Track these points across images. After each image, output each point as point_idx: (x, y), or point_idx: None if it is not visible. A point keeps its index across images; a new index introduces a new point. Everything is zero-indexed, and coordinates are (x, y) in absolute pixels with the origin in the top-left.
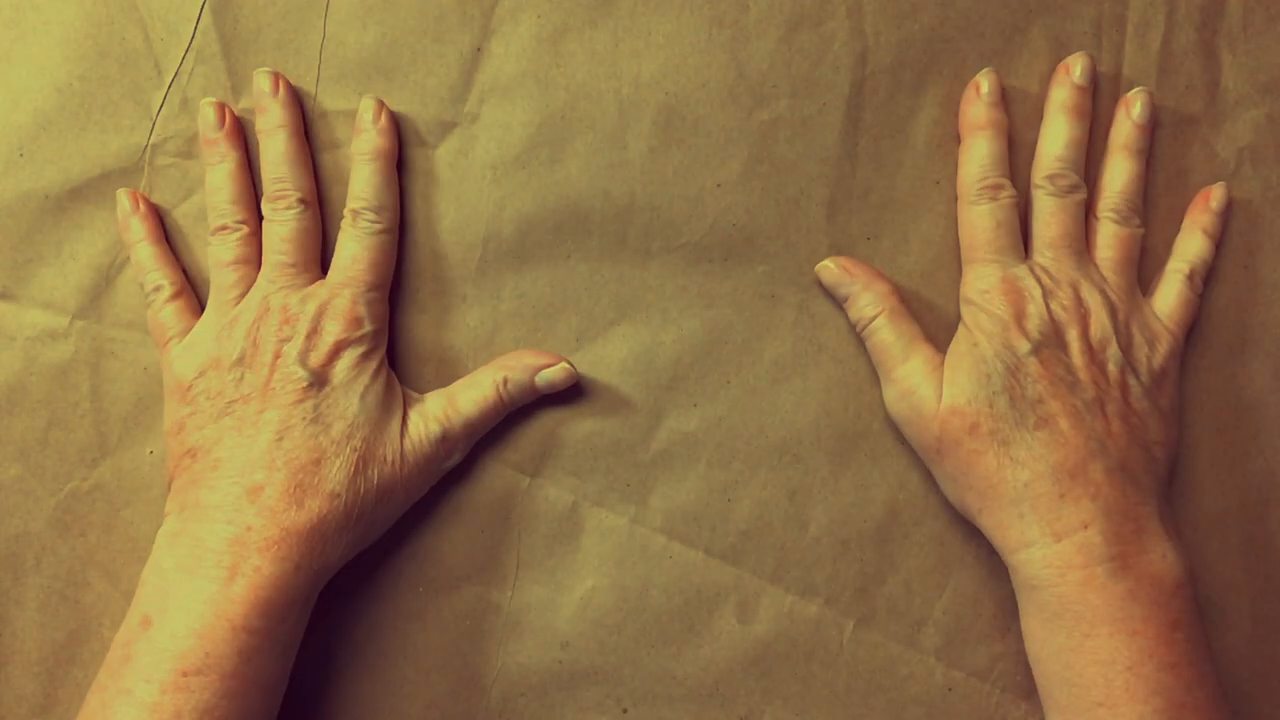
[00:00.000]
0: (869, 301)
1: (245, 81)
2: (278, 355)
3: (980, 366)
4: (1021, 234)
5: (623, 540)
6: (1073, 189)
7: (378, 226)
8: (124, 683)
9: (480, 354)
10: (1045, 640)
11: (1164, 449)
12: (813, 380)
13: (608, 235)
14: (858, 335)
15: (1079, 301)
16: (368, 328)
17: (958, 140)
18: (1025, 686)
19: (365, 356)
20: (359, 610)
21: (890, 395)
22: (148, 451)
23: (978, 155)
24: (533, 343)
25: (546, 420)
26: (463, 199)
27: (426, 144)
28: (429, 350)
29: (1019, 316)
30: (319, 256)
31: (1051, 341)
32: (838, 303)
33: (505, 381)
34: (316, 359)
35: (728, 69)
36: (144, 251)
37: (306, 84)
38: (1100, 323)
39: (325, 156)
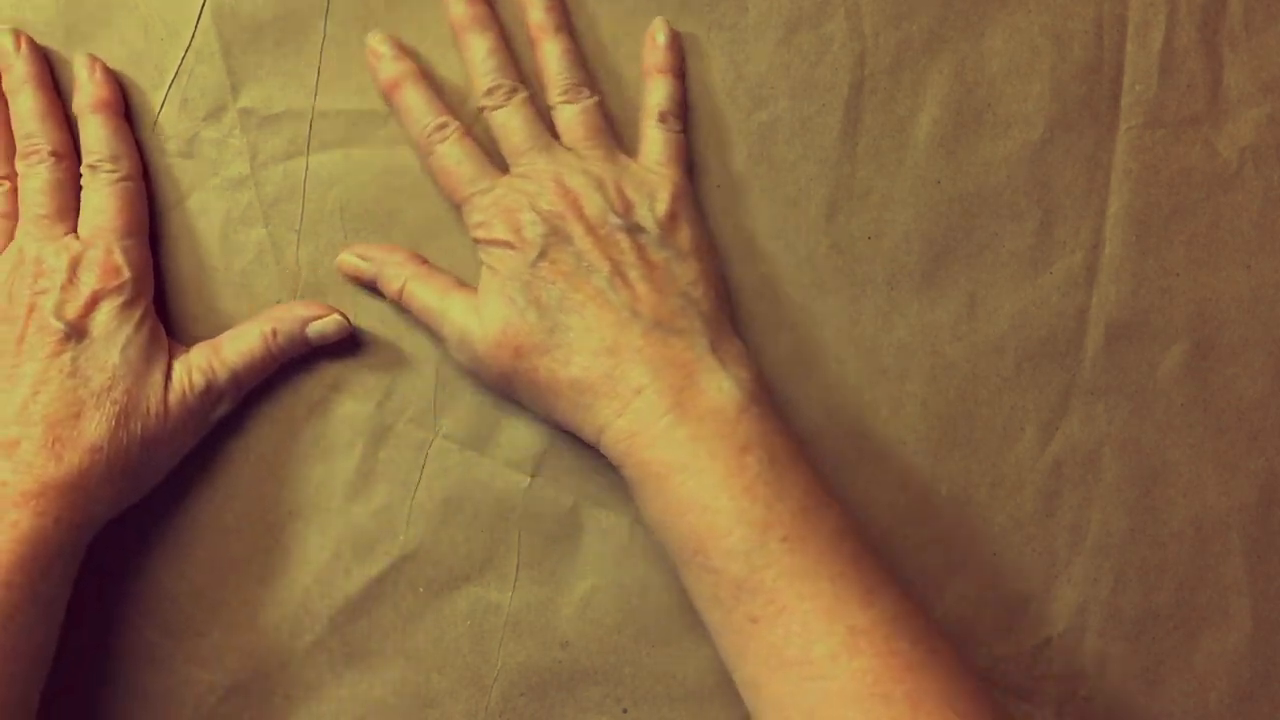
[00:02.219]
0: (393, 275)
1: (244, 81)
2: (32, 309)
3: (503, 292)
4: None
5: (623, 540)
6: (511, 92)
7: (117, 174)
8: None
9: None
10: (645, 512)
11: (701, 285)
12: (813, 380)
13: None
14: (401, 308)
15: (565, 190)
16: (126, 275)
17: (958, 140)
18: (1024, 688)
19: (126, 306)
20: (359, 610)
21: (450, 350)
22: None
23: (408, 109)
24: None
25: (547, 420)
26: None
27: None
28: (427, 354)
29: (516, 230)
30: (77, 209)
31: (554, 240)
32: (842, 304)
33: (274, 333)
34: (73, 310)
35: (727, 71)
36: None
37: (306, 84)
38: (591, 200)
39: (325, 155)
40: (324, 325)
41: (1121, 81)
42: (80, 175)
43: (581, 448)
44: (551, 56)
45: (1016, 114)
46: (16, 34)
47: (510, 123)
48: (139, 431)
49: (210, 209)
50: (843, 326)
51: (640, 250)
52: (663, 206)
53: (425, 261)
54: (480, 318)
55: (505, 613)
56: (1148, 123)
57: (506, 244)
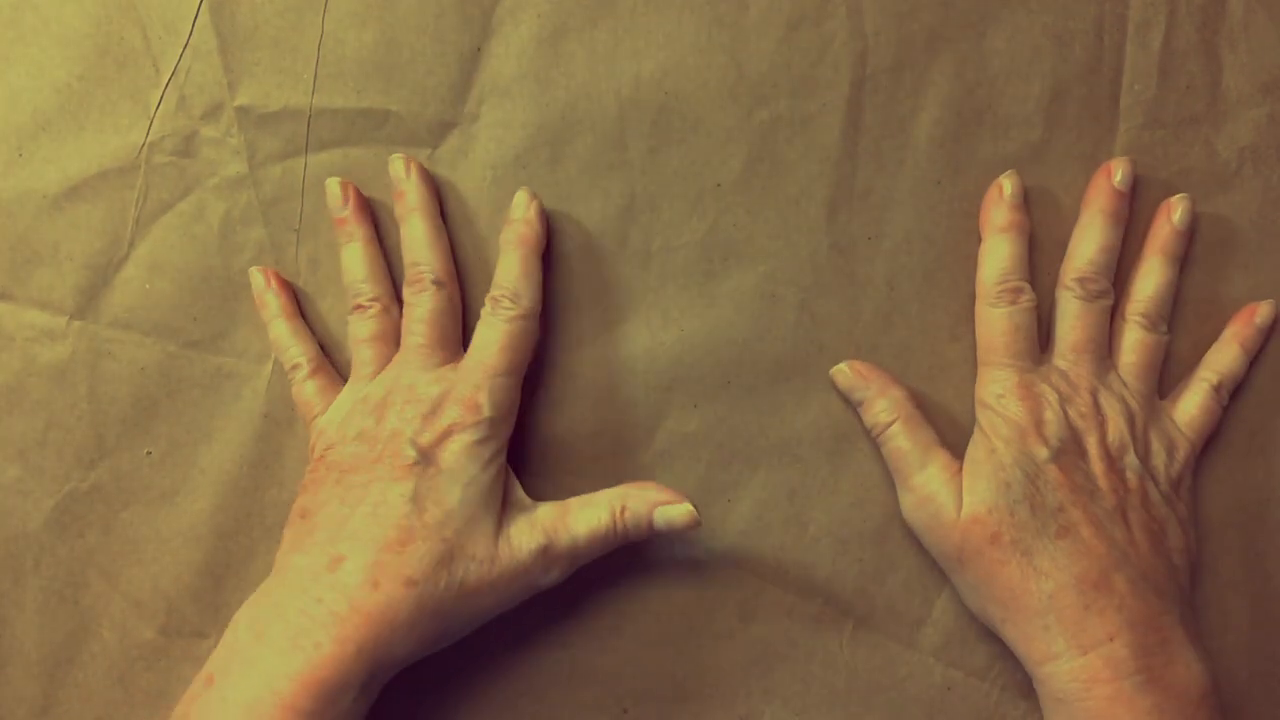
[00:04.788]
0: (884, 408)
1: (241, 79)
2: (395, 434)
3: (999, 474)
4: (1040, 332)
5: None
6: (1101, 294)
7: (512, 313)
8: None
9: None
10: None
11: (1184, 556)
12: (813, 380)
13: (608, 236)
14: (873, 438)
15: (1097, 408)
16: (485, 414)
17: (958, 140)
18: (1024, 686)
19: (478, 444)
20: None
21: (907, 503)
22: (145, 452)
23: (999, 257)
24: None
25: (547, 420)
26: (462, 199)
27: (426, 144)
28: None
29: (1037, 423)
30: (459, 337)
31: (1070, 448)
32: (842, 304)
33: (624, 510)
34: (428, 439)
35: (728, 69)
36: (279, 328)
37: (304, 82)
38: (1118, 430)
39: (323, 154)
40: (673, 513)
41: (1121, 82)
42: (459, 301)
43: (582, 447)
44: (1155, 278)
45: (1016, 114)
46: (408, 160)
47: (1085, 318)
48: (460, 575)
49: (209, 208)
50: (843, 326)
51: (1145, 498)
52: (1177, 468)
53: (918, 405)
54: (960, 488)
55: (506, 613)
56: (1147, 123)
57: (1020, 428)
